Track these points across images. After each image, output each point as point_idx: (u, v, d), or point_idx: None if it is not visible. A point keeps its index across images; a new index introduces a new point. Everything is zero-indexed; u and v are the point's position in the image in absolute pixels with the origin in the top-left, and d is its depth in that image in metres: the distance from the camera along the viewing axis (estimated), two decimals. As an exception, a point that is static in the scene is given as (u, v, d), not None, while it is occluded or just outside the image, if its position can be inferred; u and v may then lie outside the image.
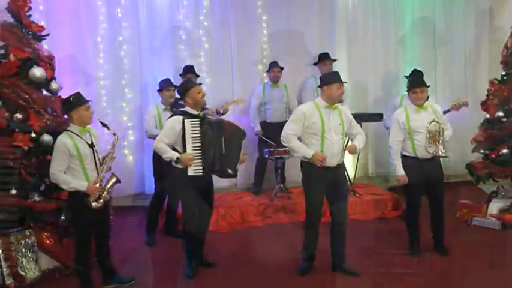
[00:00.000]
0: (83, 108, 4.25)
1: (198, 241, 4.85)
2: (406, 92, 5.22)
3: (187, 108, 4.69)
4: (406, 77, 6.26)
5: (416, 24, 8.08)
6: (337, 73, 4.63)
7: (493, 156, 6.20)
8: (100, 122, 4.45)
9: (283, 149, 6.72)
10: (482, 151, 6.37)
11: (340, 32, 7.82)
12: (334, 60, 7.26)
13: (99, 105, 6.92)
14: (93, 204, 4.20)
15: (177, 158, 4.49)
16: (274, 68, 7.09)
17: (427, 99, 5.66)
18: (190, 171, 4.53)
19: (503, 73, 6.35)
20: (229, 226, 6.31)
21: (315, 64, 7.32)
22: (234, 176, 4.89)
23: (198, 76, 6.70)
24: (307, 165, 4.57)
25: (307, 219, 4.70)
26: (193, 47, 7.27)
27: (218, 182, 6.64)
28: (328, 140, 4.46)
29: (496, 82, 6.37)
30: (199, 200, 4.73)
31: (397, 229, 5.96)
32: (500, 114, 6.20)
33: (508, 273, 4.70)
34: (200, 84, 4.81)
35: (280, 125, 7.01)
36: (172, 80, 6.23)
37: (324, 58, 7.18)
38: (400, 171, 5.01)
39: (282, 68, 7.16)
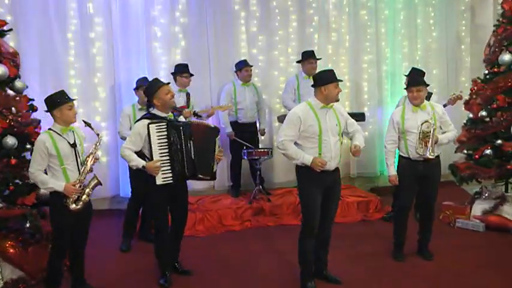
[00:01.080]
0: (66, 107, 4.03)
1: (172, 248, 4.62)
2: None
3: (155, 111, 4.41)
4: (406, 75, 6.14)
5: (397, 23, 7.95)
6: (333, 71, 4.31)
7: (477, 156, 6.07)
8: (83, 121, 4.23)
9: (261, 150, 6.57)
10: (465, 151, 6.24)
11: (320, 30, 7.64)
12: (319, 58, 7.05)
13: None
14: (72, 206, 3.99)
15: (143, 167, 4.23)
16: (246, 67, 6.87)
17: (430, 98, 5.53)
18: (159, 180, 4.25)
19: (486, 72, 6.23)
20: (207, 230, 6.08)
21: (298, 62, 7.11)
22: (211, 179, 4.64)
23: (192, 75, 6.44)
24: (304, 171, 4.18)
25: (305, 229, 4.25)
26: (169, 44, 7.02)
27: (195, 184, 6.51)
28: (326, 142, 4.14)
29: (479, 81, 6.24)
30: (172, 205, 4.50)
31: (381, 232, 5.83)
32: (484, 113, 6.07)
33: (493, 276, 4.56)
34: (169, 83, 4.48)
35: (252, 125, 7.06)
36: (148, 78, 5.91)
37: (308, 56, 6.96)
38: (392, 171, 4.87)
39: (251, 66, 6.95)
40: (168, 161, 4.27)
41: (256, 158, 6.57)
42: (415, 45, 8.03)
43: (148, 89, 4.45)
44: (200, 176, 4.39)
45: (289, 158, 4.22)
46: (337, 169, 4.31)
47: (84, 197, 4.06)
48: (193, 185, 6.73)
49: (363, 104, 7.82)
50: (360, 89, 7.86)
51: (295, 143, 4.19)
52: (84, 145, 4.22)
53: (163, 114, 4.37)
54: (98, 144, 4.19)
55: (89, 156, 4.12)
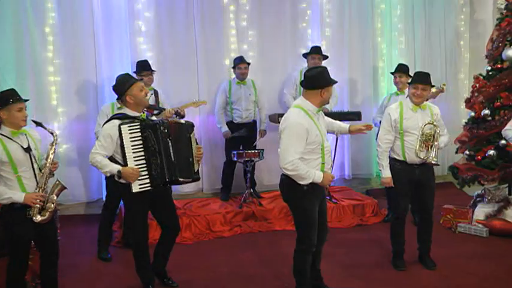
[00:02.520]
0: (14, 108, 3.58)
1: (161, 255, 4.25)
2: (393, 92, 4.72)
3: (126, 110, 3.99)
4: (392, 73, 5.91)
5: (393, 18, 7.65)
6: (327, 71, 3.81)
7: (479, 157, 5.76)
8: (33, 121, 3.78)
9: (253, 151, 6.22)
10: (467, 152, 5.92)
11: (313, 25, 7.32)
12: (325, 57, 6.66)
13: (50, 104, 6.30)
14: (37, 218, 3.57)
15: (119, 172, 3.78)
16: (240, 64, 6.50)
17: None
18: (135, 187, 3.81)
19: (489, 68, 5.93)
20: (194, 237, 5.72)
21: (304, 56, 6.71)
22: (194, 180, 4.19)
23: (153, 71, 6.01)
24: (307, 187, 3.66)
25: (306, 248, 3.80)
26: (154, 39, 6.64)
27: (182, 186, 6.15)
28: (326, 149, 3.75)
29: (481, 78, 5.92)
30: (156, 212, 4.13)
31: (379, 237, 5.51)
32: (486, 112, 5.75)
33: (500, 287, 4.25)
34: (141, 79, 4.09)
35: (249, 126, 6.66)
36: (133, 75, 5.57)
37: (313, 51, 6.58)
38: (386, 173, 4.50)
39: (248, 64, 6.59)
40: (145, 165, 3.85)
41: (246, 160, 6.22)
42: (412, 40, 7.73)
43: (119, 85, 4.00)
44: (181, 179, 3.99)
45: (298, 179, 3.59)
46: None
47: (49, 204, 3.65)
48: (180, 187, 6.41)
49: (359, 102, 7.49)
50: (355, 86, 7.54)
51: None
52: (40, 149, 3.76)
53: (135, 114, 3.96)
54: (54, 144, 3.73)
55: (46, 159, 3.69)
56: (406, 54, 7.64)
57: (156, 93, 5.92)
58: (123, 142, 3.80)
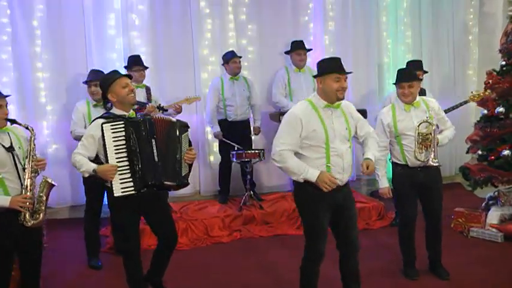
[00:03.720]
0: None
1: (158, 264, 3.89)
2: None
3: (114, 109, 3.67)
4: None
5: (399, 11, 7.30)
6: (337, 60, 3.44)
7: (492, 157, 5.42)
8: (5, 119, 3.43)
9: (252, 152, 5.89)
10: (480, 152, 5.59)
11: (316, 19, 6.99)
12: (309, 49, 6.46)
13: (37, 101, 5.98)
14: (30, 222, 3.29)
15: (94, 171, 3.44)
16: (235, 58, 6.18)
17: (424, 94, 4.96)
18: (117, 191, 3.46)
19: (503, 63, 5.58)
20: (191, 243, 5.40)
21: (286, 53, 6.48)
22: (180, 186, 3.75)
23: (146, 68, 5.70)
24: (307, 186, 3.36)
25: (310, 255, 3.50)
26: (148, 33, 6.31)
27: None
28: (336, 150, 3.33)
29: (495, 74, 5.58)
30: (149, 218, 3.78)
31: (386, 243, 5.20)
32: (501, 109, 5.41)
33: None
34: (127, 75, 3.73)
35: (243, 124, 6.31)
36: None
37: (297, 47, 6.35)
38: (383, 183, 4.15)
39: (240, 57, 6.27)
40: (128, 167, 3.50)
41: (246, 160, 5.90)
42: (418, 35, 7.39)
43: (103, 82, 3.68)
44: (167, 182, 3.60)
45: (289, 172, 3.37)
46: (348, 183, 3.53)
47: (38, 205, 3.35)
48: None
49: (363, 100, 7.16)
50: (359, 83, 7.19)
51: (298, 155, 3.37)
52: (25, 147, 3.44)
53: (122, 113, 3.63)
54: (32, 140, 3.43)
55: (27, 158, 3.39)
56: (412, 49, 7.31)
57: (147, 89, 5.61)
58: (105, 142, 3.46)
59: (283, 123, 3.40)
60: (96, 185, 4.66)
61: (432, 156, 4.06)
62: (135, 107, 4.97)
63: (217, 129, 6.15)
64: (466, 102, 5.72)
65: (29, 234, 3.36)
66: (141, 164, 3.49)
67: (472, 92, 5.79)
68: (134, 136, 3.50)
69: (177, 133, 3.67)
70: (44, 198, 3.40)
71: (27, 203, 3.27)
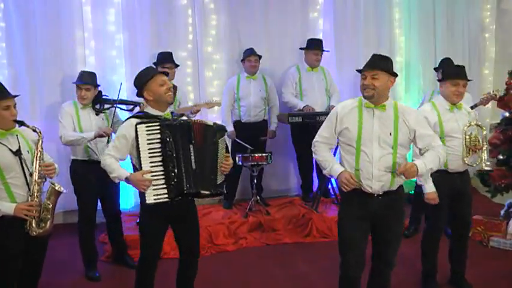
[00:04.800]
0: (0, 106, 3.11)
1: None
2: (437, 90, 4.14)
3: (148, 108, 3.41)
4: (435, 69, 5.43)
5: (412, 8, 7.00)
6: (375, 57, 3.22)
7: (515, 163, 5.13)
8: (13, 120, 3.21)
9: (259, 155, 5.59)
10: (500, 156, 5.28)
11: (325, 15, 6.68)
12: (327, 51, 6.17)
13: (34, 100, 5.68)
14: (36, 230, 3.15)
15: (126, 179, 3.24)
16: (251, 56, 5.91)
17: None
18: (150, 198, 3.20)
19: (527, 62, 5.28)
20: (194, 251, 5.08)
21: (302, 49, 6.16)
22: (215, 194, 3.52)
23: (177, 66, 5.46)
24: (341, 190, 3.31)
25: (341, 265, 3.30)
26: (150, 28, 6.00)
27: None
28: (366, 154, 3.12)
29: (518, 74, 5.29)
30: (177, 230, 3.51)
31: (399, 253, 4.84)
32: (524, 112, 5.12)
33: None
34: (165, 73, 3.45)
35: (258, 126, 6.00)
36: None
37: (315, 46, 6.05)
38: (430, 187, 3.76)
39: (260, 57, 5.99)
40: (162, 172, 3.23)
41: (252, 163, 5.60)
42: (432, 33, 7.07)
43: (137, 80, 3.43)
44: (203, 192, 3.35)
45: (320, 166, 3.36)
46: (392, 194, 3.21)
47: (44, 214, 3.19)
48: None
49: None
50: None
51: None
52: (34, 151, 3.24)
53: (157, 113, 3.37)
54: (39, 143, 3.23)
55: (34, 162, 3.19)
56: (426, 47, 7.01)
57: (174, 89, 5.27)
58: (138, 144, 3.21)
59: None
60: (88, 187, 4.45)
61: (484, 159, 3.85)
62: (130, 107, 4.73)
63: (231, 129, 5.86)
64: (475, 105, 5.39)
65: (34, 244, 3.23)
66: (177, 170, 3.23)
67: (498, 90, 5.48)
68: (171, 140, 3.24)
69: (215, 138, 3.40)
70: (51, 206, 3.24)
71: (33, 211, 3.11)
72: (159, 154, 3.22)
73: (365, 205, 3.18)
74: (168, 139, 3.22)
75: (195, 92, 6.22)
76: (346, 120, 3.17)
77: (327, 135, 3.28)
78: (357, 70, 3.38)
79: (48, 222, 3.20)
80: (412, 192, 6.53)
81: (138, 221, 5.43)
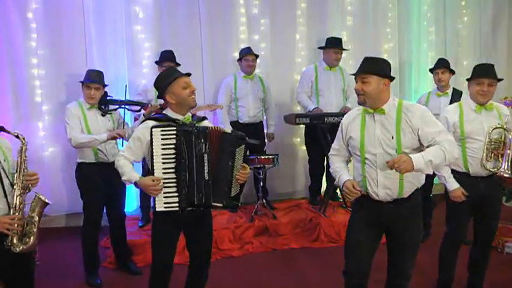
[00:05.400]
0: None
1: None
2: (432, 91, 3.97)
3: (168, 111, 3.25)
4: (430, 70, 5.24)
5: (422, 5, 6.85)
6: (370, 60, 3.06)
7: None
8: None
9: (265, 157, 5.43)
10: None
11: (333, 13, 6.50)
12: (346, 49, 6.03)
13: (32, 101, 5.54)
14: (19, 247, 2.88)
15: (135, 184, 3.12)
16: (248, 55, 5.74)
17: (460, 96, 4.53)
18: (160, 206, 3.08)
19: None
20: (199, 257, 4.92)
21: (320, 48, 5.98)
22: (228, 207, 3.34)
23: (178, 65, 5.29)
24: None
25: (344, 273, 3.21)
26: (153, 27, 5.85)
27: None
28: (370, 161, 2.99)
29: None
30: (189, 237, 3.36)
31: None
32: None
33: None
34: (188, 74, 3.28)
35: (255, 127, 5.82)
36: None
37: (335, 45, 5.85)
38: (454, 185, 3.61)
39: (257, 56, 5.83)
40: (174, 180, 3.08)
41: (258, 166, 5.43)
42: (442, 31, 6.91)
43: (158, 81, 3.26)
44: (214, 204, 3.18)
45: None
46: (402, 201, 3.04)
47: (29, 227, 2.93)
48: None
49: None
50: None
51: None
52: (10, 159, 3.01)
53: (177, 116, 3.21)
54: (23, 151, 2.98)
55: (17, 172, 2.95)
56: (435, 46, 6.85)
57: None
58: (152, 148, 3.07)
59: None
60: (95, 190, 4.29)
61: (505, 166, 3.60)
62: (137, 108, 4.57)
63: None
64: None
65: (19, 261, 2.96)
66: (189, 180, 3.08)
67: None
68: (185, 147, 3.07)
69: (232, 147, 3.20)
70: (36, 219, 2.98)
71: (15, 225, 2.84)
72: (173, 161, 3.08)
73: (375, 213, 3.05)
74: (182, 146, 3.07)
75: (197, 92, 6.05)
76: (350, 129, 3.11)
77: (337, 147, 3.25)
78: (351, 74, 3.27)
79: (32, 237, 2.94)
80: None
81: (140, 224, 5.35)
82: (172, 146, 3.06)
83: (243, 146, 3.24)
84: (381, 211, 3.03)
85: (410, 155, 2.83)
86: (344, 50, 5.92)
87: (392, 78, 3.04)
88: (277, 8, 6.31)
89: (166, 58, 5.29)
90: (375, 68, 2.98)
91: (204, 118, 3.39)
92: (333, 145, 3.29)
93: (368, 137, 3.00)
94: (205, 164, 3.10)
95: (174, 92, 3.16)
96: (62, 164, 5.64)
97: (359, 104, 3.06)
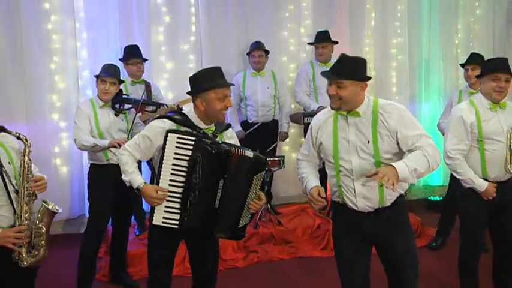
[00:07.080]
0: None
1: None
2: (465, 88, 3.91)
3: (191, 112, 2.92)
4: (462, 65, 4.91)
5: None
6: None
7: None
8: None
9: (271, 159, 5.15)
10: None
11: (340, 6, 6.26)
12: (335, 42, 5.67)
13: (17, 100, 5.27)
14: (27, 260, 2.63)
15: (137, 189, 2.82)
16: (254, 51, 5.46)
17: None
18: (158, 219, 2.78)
19: None
20: (201, 268, 4.59)
21: (310, 44, 5.76)
22: (233, 237, 3.11)
23: (145, 60, 4.99)
24: (334, 205, 2.93)
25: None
26: (149, 21, 5.58)
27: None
28: (345, 169, 2.71)
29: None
30: (192, 253, 3.12)
31: (426, 268, 4.28)
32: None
33: None
34: (231, 85, 2.94)
35: (266, 126, 5.47)
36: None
37: (322, 39, 5.58)
38: (482, 184, 3.32)
39: (267, 52, 5.52)
40: (179, 195, 2.77)
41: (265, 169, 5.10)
42: (455, 25, 6.64)
43: (195, 80, 2.87)
44: (218, 233, 2.92)
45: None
46: (384, 210, 2.74)
47: (36, 240, 2.66)
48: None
49: (391, 98, 6.38)
50: (387, 80, 6.49)
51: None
52: (17, 161, 2.70)
53: (199, 123, 2.87)
54: (26, 153, 2.67)
55: (21, 177, 2.64)
56: (447, 42, 6.61)
57: (147, 86, 4.92)
58: (164, 155, 2.74)
59: None
60: (104, 197, 3.98)
61: None
62: (151, 108, 4.33)
63: (238, 128, 5.42)
64: None
65: (22, 273, 2.70)
66: (195, 202, 2.77)
67: None
68: (200, 165, 2.75)
69: (250, 174, 2.86)
70: (44, 230, 2.70)
71: (21, 237, 2.58)
72: (183, 174, 2.76)
73: (355, 224, 2.77)
74: (197, 164, 2.74)
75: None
76: (320, 134, 2.83)
77: (306, 152, 2.97)
78: (321, 73, 2.91)
79: (42, 250, 2.67)
80: (437, 198, 6.11)
81: (137, 233, 5.00)
82: (186, 158, 2.72)
83: (262, 172, 2.91)
84: (361, 222, 2.75)
85: (393, 164, 2.52)
86: (333, 42, 5.59)
87: (369, 79, 2.74)
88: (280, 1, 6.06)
89: (131, 54, 4.91)
90: (352, 72, 2.68)
91: (228, 126, 3.06)
92: (301, 149, 3.03)
93: (341, 142, 2.72)
94: (219, 190, 2.79)
95: (208, 100, 2.82)
96: (54, 166, 5.38)
97: (333, 109, 2.76)
